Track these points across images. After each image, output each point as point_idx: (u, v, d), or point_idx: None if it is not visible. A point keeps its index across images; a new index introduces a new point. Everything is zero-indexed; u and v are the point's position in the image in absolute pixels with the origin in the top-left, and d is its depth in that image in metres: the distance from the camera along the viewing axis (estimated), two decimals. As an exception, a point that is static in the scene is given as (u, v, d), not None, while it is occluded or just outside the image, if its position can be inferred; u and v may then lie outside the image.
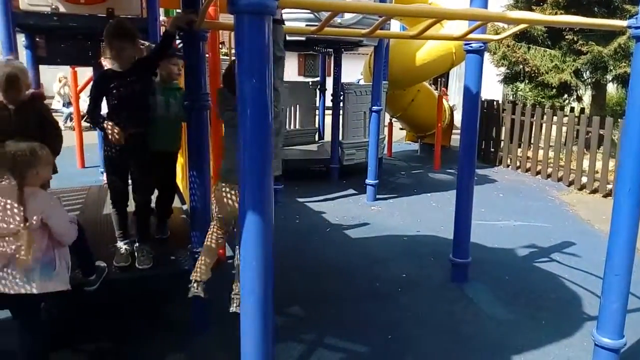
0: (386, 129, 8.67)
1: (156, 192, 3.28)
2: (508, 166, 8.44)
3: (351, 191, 6.58)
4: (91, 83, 3.42)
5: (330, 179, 7.07)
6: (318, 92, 8.70)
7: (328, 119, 7.97)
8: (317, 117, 8.99)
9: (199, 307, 2.92)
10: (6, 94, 2.68)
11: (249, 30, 1.65)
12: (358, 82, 9.90)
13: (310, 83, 8.54)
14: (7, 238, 2.07)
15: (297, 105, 8.04)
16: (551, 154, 7.67)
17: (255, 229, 1.75)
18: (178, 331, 2.99)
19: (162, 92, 3.12)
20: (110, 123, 2.67)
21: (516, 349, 2.93)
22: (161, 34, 5.42)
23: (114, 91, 2.75)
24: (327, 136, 8.22)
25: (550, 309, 3.46)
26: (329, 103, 8.03)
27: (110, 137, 2.68)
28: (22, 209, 2.06)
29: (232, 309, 2.65)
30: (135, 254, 2.90)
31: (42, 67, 5.27)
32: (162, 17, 5.98)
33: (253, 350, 1.82)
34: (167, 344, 2.87)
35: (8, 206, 2.09)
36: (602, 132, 6.81)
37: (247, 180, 1.74)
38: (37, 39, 5.59)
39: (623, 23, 2.46)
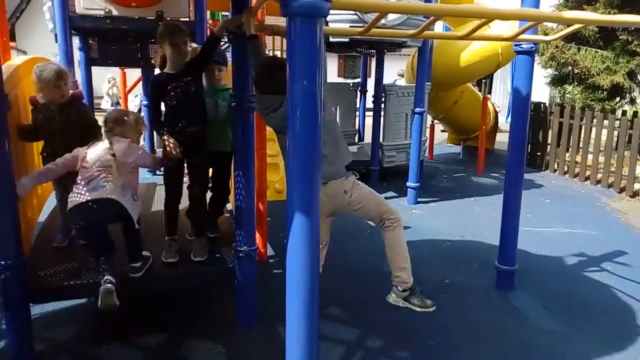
0: (428, 131, 8.55)
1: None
2: (555, 171, 8.17)
3: (391, 194, 6.52)
4: (139, 84, 3.54)
5: (370, 181, 7.01)
6: (358, 93, 8.67)
7: (368, 121, 7.93)
8: (357, 119, 8.96)
9: (245, 304, 2.97)
10: (57, 87, 2.83)
11: (301, 32, 1.65)
12: (395, 82, 9.81)
13: (350, 84, 8.53)
14: (108, 167, 2.73)
15: (337, 107, 8.04)
16: (601, 159, 7.36)
17: (302, 232, 1.76)
18: (224, 327, 3.04)
19: (210, 94, 3.18)
20: (171, 140, 2.79)
21: (565, 361, 2.83)
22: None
23: (172, 93, 2.83)
24: (367, 138, 8.17)
25: (600, 320, 3.32)
26: (369, 104, 7.99)
27: (168, 150, 2.80)
28: (112, 151, 2.73)
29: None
30: (191, 246, 3.03)
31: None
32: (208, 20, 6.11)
33: (298, 351, 1.82)
34: (214, 340, 2.92)
35: (109, 150, 2.75)
36: (657, 137, 6.49)
37: (295, 182, 1.75)
38: (90, 41, 5.82)
39: (687, 23, 2.34)
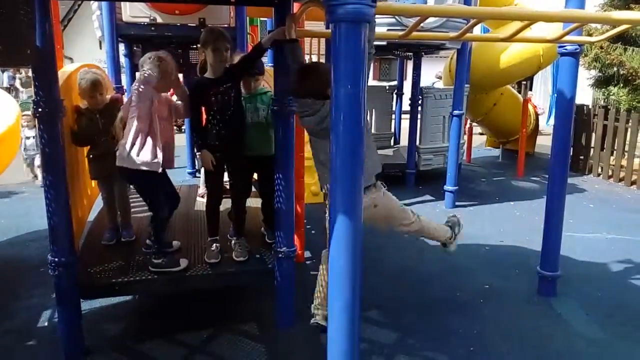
0: (466, 134, 8.43)
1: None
2: (599, 175, 7.91)
3: (428, 197, 6.47)
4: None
5: (406, 184, 6.98)
6: (394, 96, 8.63)
7: (404, 123, 7.88)
8: (393, 122, 8.92)
9: (284, 304, 3.02)
10: (92, 98, 3.02)
11: (346, 37, 1.68)
12: (433, 85, 9.71)
13: (387, 87, 8.50)
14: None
15: (373, 110, 8.03)
16: (649, 163, 7.10)
17: (345, 234, 1.78)
18: (264, 327, 3.10)
19: (249, 99, 3.24)
20: (206, 156, 2.91)
21: (611, 371, 2.75)
22: (250, 42, 5.65)
23: (213, 98, 2.91)
24: (403, 141, 8.12)
25: (648, 330, 3.21)
26: (405, 107, 7.94)
27: (202, 162, 2.93)
28: None
29: (315, 320, 2.78)
30: (232, 246, 3.10)
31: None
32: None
33: (340, 352, 1.85)
34: (253, 339, 2.98)
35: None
36: None
37: (339, 185, 1.78)
38: (135, 48, 6.03)
39: None
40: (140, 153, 2.72)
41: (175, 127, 3.46)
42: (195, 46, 5.37)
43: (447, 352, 2.91)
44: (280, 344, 2.94)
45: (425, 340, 3.03)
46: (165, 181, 2.98)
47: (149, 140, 2.74)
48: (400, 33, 3.07)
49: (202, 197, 4.44)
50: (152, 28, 4.79)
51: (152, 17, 4.73)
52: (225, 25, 4.93)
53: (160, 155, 2.75)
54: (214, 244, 3.07)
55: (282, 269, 2.97)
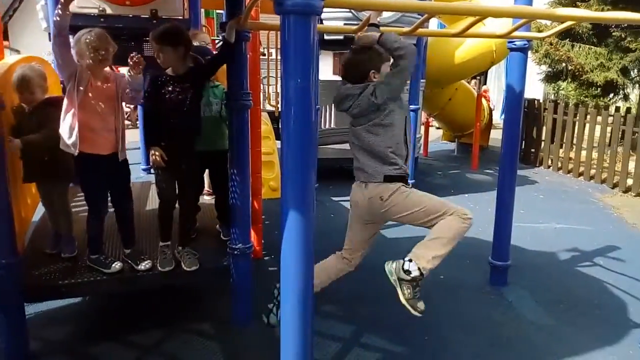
0: (422, 128, 8.57)
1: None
2: (549, 167, 8.22)
3: (386, 190, 6.54)
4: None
5: (366, 178, 7.03)
6: (354, 90, 8.66)
7: (364, 118, 7.94)
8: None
9: (240, 302, 2.99)
10: (21, 94, 2.81)
11: (295, 30, 1.67)
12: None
13: (346, 82, 8.53)
14: None
15: (333, 104, 8.04)
16: (594, 155, 7.41)
17: (296, 229, 1.77)
18: (219, 325, 3.06)
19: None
20: (156, 152, 2.74)
21: (557, 355, 2.86)
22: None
23: (166, 96, 2.78)
24: (363, 135, 8.17)
25: (593, 315, 3.35)
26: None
27: (151, 159, 2.77)
28: None
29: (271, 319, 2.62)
30: (180, 257, 2.90)
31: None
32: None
33: (293, 348, 1.84)
34: (209, 338, 2.94)
35: None
36: (650, 133, 6.54)
37: (289, 180, 1.76)
38: (84, 40, 5.78)
39: (678, 19, 2.36)
40: (62, 131, 2.61)
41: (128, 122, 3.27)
42: (148, 39, 5.21)
43: (402, 342, 2.95)
44: (236, 342, 2.90)
45: (381, 331, 3.06)
46: (101, 173, 2.73)
47: (68, 117, 2.60)
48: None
49: None
50: (102, 19, 4.59)
51: (101, 8, 4.54)
52: (179, 17, 4.80)
53: (75, 136, 2.56)
54: (167, 251, 2.90)
55: (237, 266, 2.93)
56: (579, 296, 3.61)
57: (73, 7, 4.69)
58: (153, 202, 4.17)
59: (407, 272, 2.33)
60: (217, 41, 6.02)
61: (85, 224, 2.84)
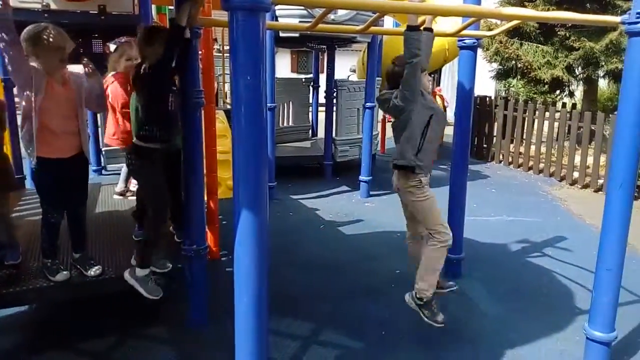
0: (379, 125, 8.67)
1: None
2: (500, 162, 8.49)
3: (345, 188, 6.59)
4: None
5: (324, 175, 7.07)
6: (311, 88, 8.68)
7: (321, 116, 7.96)
8: (310, 114, 8.98)
9: (196, 303, 2.93)
10: None
11: (243, 27, 1.64)
12: (348, 78, 9.89)
13: (303, 80, 8.53)
14: None
15: (290, 102, 8.03)
16: (543, 149, 7.71)
17: (249, 228, 1.75)
18: (174, 328, 3.00)
19: None
20: None
21: (509, 343, 2.96)
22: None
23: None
24: (321, 133, 8.21)
25: (543, 303, 3.49)
26: (322, 100, 8.02)
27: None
28: None
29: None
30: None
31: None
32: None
33: (247, 349, 1.82)
34: (163, 341, 2.87)
35: None
36: (593, 128, 6.85)
37: (242, 177, 1.74)
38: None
39: (616, 19, 2.48)
40: (21, 137, 2.50)
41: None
42: (97, 35, 5.03)
43: (360, 338, 2.98)
44: (191, 345, 2.84)
45: (339, 327, 3.08)
46: (60, 177, 2.64)
47: (27, 123, 2.48)
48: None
49: (121, 195, 4.21)
50: (46, 15, 4.41)
51: (45, 3, 4.36)
52: (129, 13, 4.66)
53: (35, 141, 2.46)
54: (150, 278, 2.77)
55: (192, 267, 2.88)
56: (529, 286, 3.75)
57: (14, 1, 4.50)
58: (102, 205, 4.06)
59: (420, 299, 2.89)
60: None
61: (40, 229, 2.72)
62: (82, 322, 3.05)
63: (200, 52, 3.29)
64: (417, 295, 2.89)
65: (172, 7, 8.61)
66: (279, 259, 3.97)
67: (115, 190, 4.24)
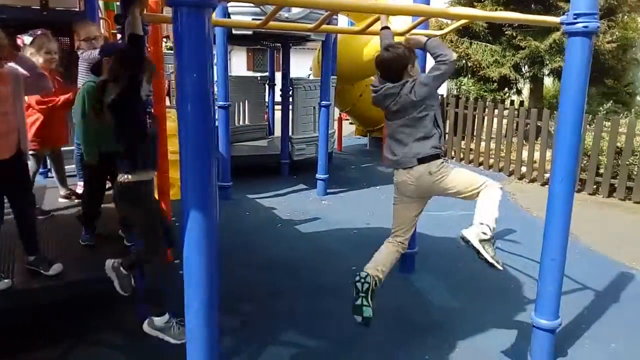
0: (336, 124, 8.73)
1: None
2: (452, 158, 8.71)
3: (302, 186, 6.59)
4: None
5: (281, 174, 7.05)
6: (267, 87, 8.63)
7: (278, 114, 7.93)
8: (266, 113, 8.93)
9: (146, 308, 2.85)
10: None
11: (188, 23, 1.61)
12: (308, 76, 9.89)
13: (258, 78, 8.47)
14: None
15: (246, 101, 7.95)
16: (493, 145, 7.97)
17: (199, 231, 1.71)
18: (127, 333, 2.91)
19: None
20: None
21: (463, 334, 3.04)
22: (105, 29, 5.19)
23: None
24: (277, 131, 8.18)
25: (494, 295, 3.60)
26: (278, 98, 7.99)
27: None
28: None
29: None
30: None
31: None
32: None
33: (199, 354, 1.79)
34: (114, 347, 2.79)
35: None
36: (539, 124, 7.14)
37: (189, 177, 1.70)
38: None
39: (557, 19, 2.58)
40: None
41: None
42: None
43: (319, 335, 2.99)
44: (144, 350, 2.76)
45: (297, 326, 3.08)
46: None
47: None
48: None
49: (67, 198, 4.05)
50: (-19, 9, 4.19)
51: (-20, -3, 4.15)
52: (75, 9, 4.51)
53: None
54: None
55: (141, 271, 2.80)
56: (480, 279, 3.86)
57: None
58: (48, 206, 3.90)
59: (484, 233, 2.59)
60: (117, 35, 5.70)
61: None
62: (31, 331, 2.91)
63: (148, 49, 3.21)
64: (483, 230, 2.59)
65: (118, 3, 8.36)
66: (236, 260, 3.93)
67: (60, 194, 4.08)
